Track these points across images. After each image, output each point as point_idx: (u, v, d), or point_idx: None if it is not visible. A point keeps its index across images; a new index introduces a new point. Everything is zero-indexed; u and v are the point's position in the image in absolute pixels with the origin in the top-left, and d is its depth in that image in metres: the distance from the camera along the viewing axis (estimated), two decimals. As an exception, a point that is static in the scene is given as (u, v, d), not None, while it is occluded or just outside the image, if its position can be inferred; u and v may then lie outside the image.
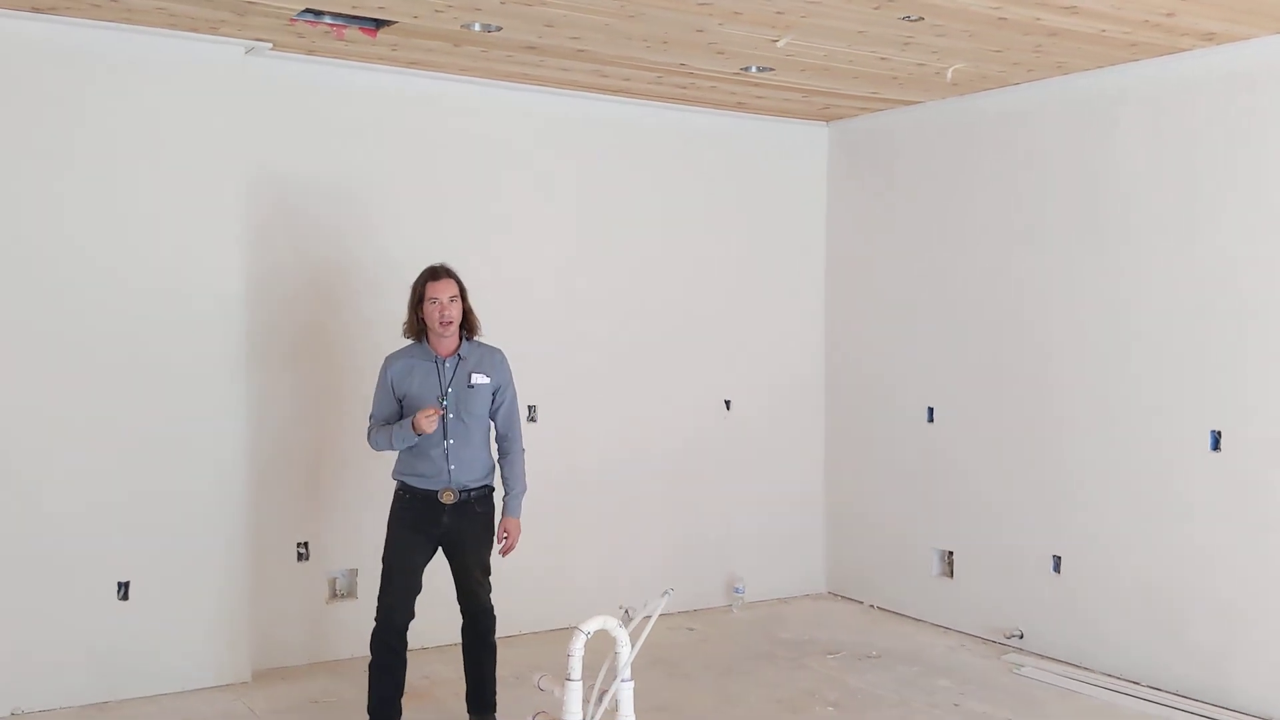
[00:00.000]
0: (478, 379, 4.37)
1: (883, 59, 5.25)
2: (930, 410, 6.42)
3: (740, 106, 6.47)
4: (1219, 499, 5.07)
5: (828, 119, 6.90)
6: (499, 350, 4.49)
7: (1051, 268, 5.77)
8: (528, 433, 4.72)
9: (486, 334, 4.51)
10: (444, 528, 4.37)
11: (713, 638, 6.13)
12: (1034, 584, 5.87)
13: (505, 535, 4.46)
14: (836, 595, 7.07)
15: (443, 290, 4.27)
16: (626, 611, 3.74)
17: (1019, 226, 5.94)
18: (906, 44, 4.97)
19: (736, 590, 6.69)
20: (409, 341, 4.42)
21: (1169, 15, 4.50)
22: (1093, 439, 5.58)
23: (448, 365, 4.35)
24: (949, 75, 5.47)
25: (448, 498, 4.32)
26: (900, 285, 6.62)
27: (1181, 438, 5.21)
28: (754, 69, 5.50)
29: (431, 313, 4.27)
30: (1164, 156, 5.29)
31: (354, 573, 5.62)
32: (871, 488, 6.83)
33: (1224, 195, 5.06)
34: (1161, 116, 5.28)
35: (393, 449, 4.38)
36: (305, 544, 5.52)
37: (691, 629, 6.26)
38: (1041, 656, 5.74)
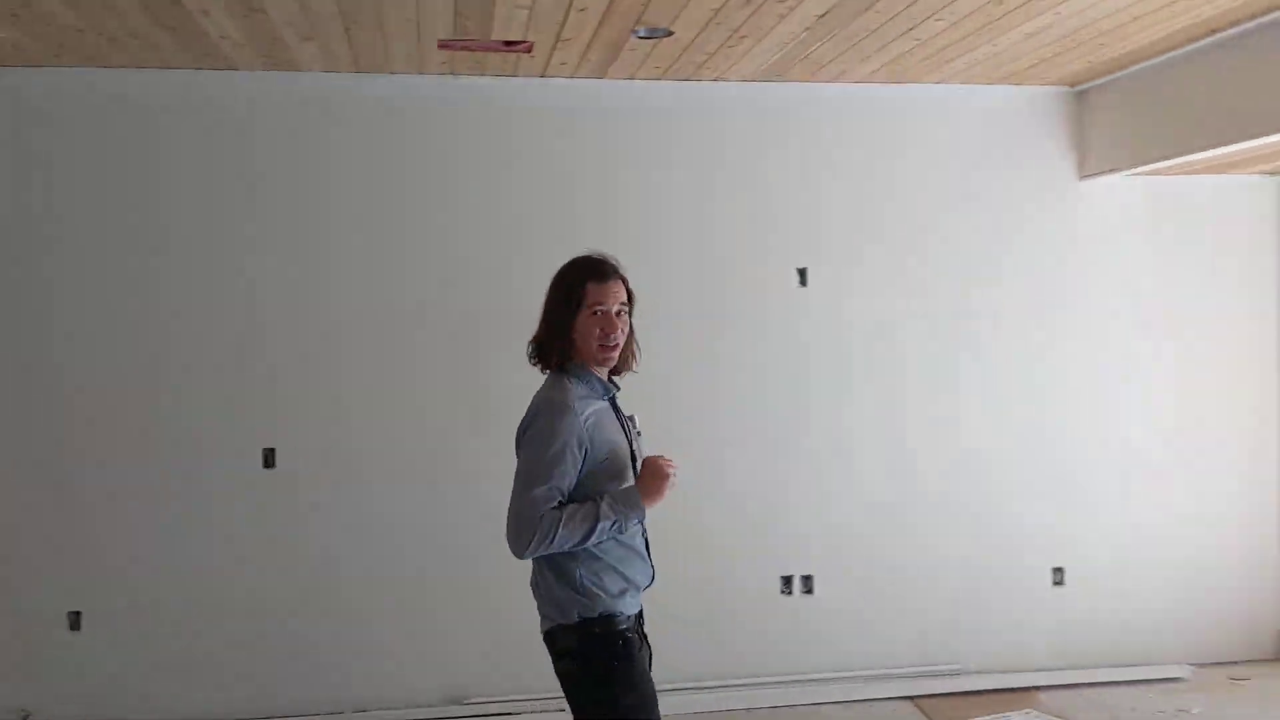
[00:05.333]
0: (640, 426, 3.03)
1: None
2: None
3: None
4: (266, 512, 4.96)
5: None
6: None
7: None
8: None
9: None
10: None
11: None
12: (43, 648, 4.90)
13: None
14: None
15: (612, 296, 2.86)
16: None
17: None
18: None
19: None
20: (578, 373, 2.88)
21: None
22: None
23: (619, 408, 2.97)
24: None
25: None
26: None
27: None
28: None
29: (590, 327, 2.84)
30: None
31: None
32: None
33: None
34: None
35: (596, 539, 2.74)
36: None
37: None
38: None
